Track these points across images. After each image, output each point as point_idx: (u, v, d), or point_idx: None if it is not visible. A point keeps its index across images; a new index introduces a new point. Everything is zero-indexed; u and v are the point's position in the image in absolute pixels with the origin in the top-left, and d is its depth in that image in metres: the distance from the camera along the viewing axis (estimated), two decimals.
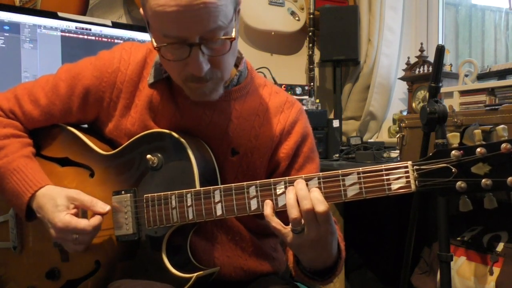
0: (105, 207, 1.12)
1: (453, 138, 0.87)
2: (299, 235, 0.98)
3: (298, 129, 1.24)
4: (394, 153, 2.30)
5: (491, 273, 1.74)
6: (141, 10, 1.08)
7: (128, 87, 1.20)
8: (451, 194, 0.87)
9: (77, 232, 1.09)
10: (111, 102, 1.21)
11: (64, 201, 1.11)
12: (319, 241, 1.00)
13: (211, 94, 1.10)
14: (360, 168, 0.95)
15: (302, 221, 0.97)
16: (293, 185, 0.99)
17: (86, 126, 1.30)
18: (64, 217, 1.09)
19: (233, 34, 1.04)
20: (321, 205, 0.95)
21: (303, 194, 0.96)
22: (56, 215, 1.09)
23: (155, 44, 1.03)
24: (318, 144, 2.32)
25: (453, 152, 0.86)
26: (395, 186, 0.92)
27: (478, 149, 0.84)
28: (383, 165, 0.94)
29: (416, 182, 0.91)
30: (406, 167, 0.92)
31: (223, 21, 0.99)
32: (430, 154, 0.89)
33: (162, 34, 1.01)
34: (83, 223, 1.09)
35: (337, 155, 2.38)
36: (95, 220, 1.10)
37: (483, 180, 0.84)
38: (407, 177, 0.91)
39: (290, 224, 0.98)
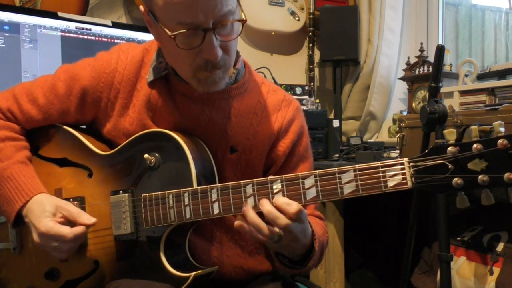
0: (91, 219, 1.13)
1: (450, 134, 0.87)
2: (278, 243, 1.03)
3: (295, 128, 1.24)
4: (394, 153, 2.30)
5: (491, 273, 1.73)
6: (141, 7, 1.08)
7: (126, 87, 1.21)
8: (448, 191, 0.87)
9: (58, 238, 1.09)
10: (108, 102, 1.21)
11: (51, 208, 1.12)
12: (297, 239, 1.04)
13: (220, 81, 1.11)
14: (357, 165, 0.95)
15: (277, 230, 1.00)
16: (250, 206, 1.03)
17: (84, 127, 1.30)
18: (48, 223, 1.10)
19: (243, 17, 1.07)
20: (293, 206, 0.99)
21: (274, 215, 0.99)
22: (40, 220, 1.10)
23: (169, 33, 1.03)
24: (318, 144, 2.33)
25: (449, 148, 0.86)
26: (391, 183, 0.92)
27: (475, 145, 0.84)
28: (379, 162, 0.94)
29: (413, 179, 0.91)
30: (402, 164, 0.92)
31: (232, 5, 1.03)
32: (426, 150, 0.89)
33: (176, 22, 1.02)
34: (65, 230, 1.10)
35: (337, 155, 2.38)
36: (78, 229, 1.11)
37: (480, 176, 0.84)
38: (403, 174, 0.91)
39: (267, 237, 1.01)
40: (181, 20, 1.01)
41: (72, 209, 1.14)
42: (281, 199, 1.00)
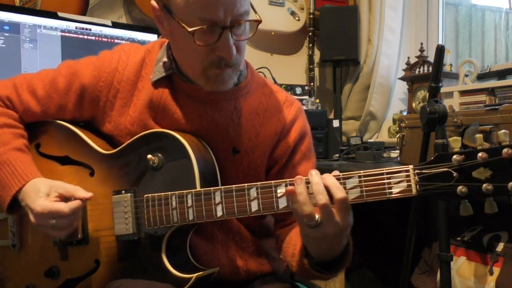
0: (87, 194, 1.14)
1: (455, 142, 0.87)
2: (315, 229, 0.96)
3: (297, 128, 1.24)
4: (394, 153, 2.30)
5: (491, 273, 1.73)
6: (152, 2, 1.09)
7: (125, 87, 1.21)
8: (452, 199, 0.87)
9: (54, 215, 1.10)
10: (107, 101, 1.22)
11: (46, 189, 1.13)
12: (337, 234, 0.98)
13: (229, 80, 1.13)
14: (361, 172, 0.95)
15: (316, 216, 0.95)
16: (304, 179, 0.97)
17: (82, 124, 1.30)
18: (43, 202, 1.10)
19: (258, 17, 1.09)
20: (340, 192, 0.93)
21: (318, 189, 0.94)
22: (36, 200, 1.11)
23: (188, 28, 1.03)
24: (318, 144, 2.33)
25: (454, 156, 0.86)
26: (396, 190, 0.92)
27: (480, 154, 0.84)
28: (384, 169, 0.94)
29: (417, 186, 0.91)
30: (407, 171, 0.92)
31: (248, 6, 1.06)
32: (432, 158, 0.89)
33: (195, 18, 1.02)
34: (60, 205, 1.10)
35: (337, 155, 2.38)
36: (74, 203, 1.11)
37: (484, 185, 0.84)
38: (408, 181, 0.91)
39: (305, 219, 0.96)
40: (201, 16, 1.02)
41: (68, 186, 1.15)
42: (334, 180, 0.95)
